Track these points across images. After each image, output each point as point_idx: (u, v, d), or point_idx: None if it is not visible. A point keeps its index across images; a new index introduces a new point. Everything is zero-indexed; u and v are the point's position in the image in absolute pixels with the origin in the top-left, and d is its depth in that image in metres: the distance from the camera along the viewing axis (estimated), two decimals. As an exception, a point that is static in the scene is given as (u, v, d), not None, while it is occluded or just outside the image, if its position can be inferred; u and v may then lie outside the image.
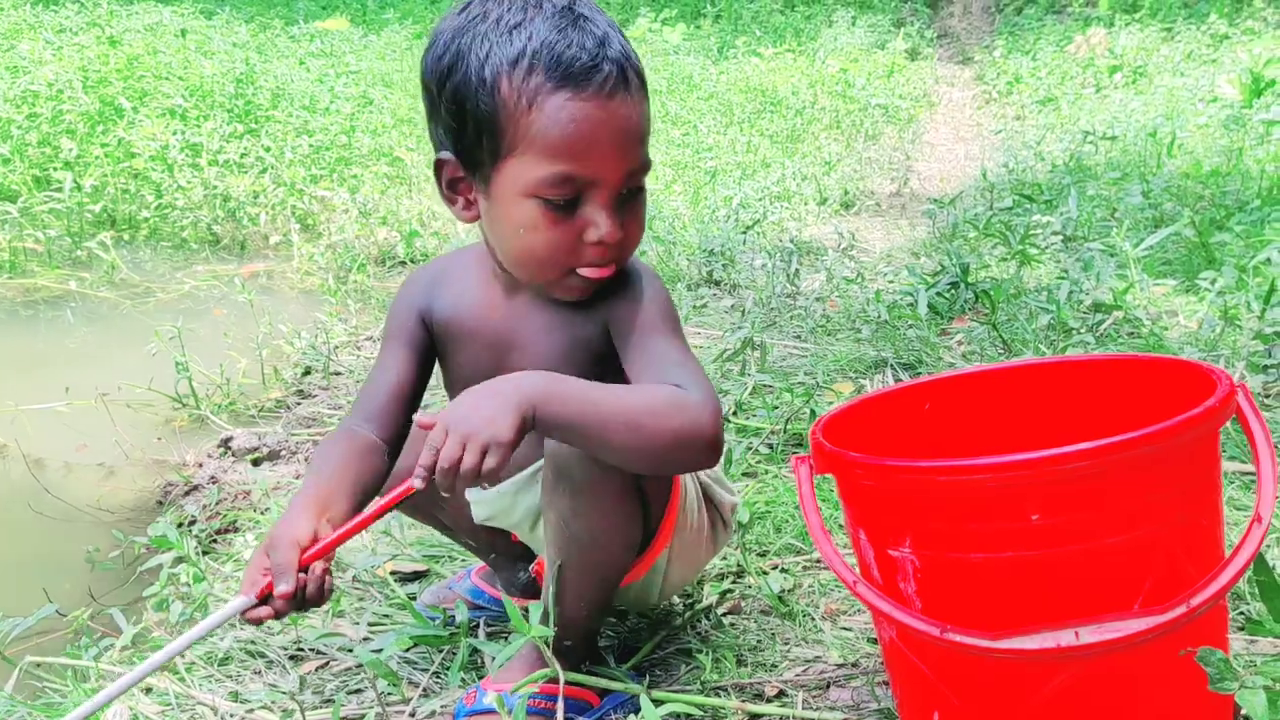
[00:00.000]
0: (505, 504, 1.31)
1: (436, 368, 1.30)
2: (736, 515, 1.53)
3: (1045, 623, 0.89)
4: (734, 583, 1.54)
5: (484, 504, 1.34)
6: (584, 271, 1.14)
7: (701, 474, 1.30)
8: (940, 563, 0.93)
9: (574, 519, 1.14)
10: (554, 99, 1.05)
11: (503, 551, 1.45)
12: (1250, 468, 1.69)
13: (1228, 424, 0.96)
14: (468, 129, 1.09)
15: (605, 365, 1.19)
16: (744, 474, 1.90)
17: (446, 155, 1.13)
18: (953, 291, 2.78)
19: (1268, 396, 1.99)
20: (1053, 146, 5.75)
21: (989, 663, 0.94)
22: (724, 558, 1.59)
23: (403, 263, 4.08)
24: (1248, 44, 7.30)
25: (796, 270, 3.27)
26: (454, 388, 1.29)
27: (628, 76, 1.09)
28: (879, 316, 2.69)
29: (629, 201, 1.13)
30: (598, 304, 1.19)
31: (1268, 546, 1.46)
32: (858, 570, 1.04)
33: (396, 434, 1.23)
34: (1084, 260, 2.65)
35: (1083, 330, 2.38)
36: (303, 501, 1.06)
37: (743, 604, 1.48)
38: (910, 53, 9.79)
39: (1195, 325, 2.46)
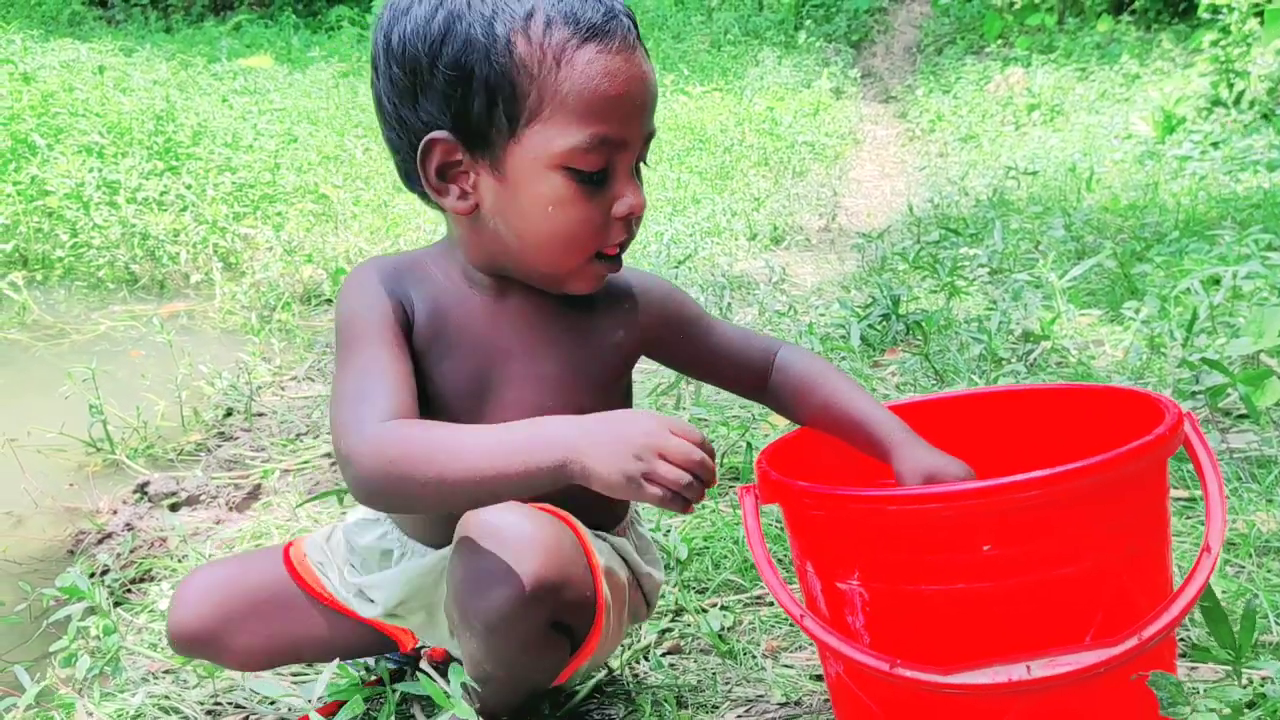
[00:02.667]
0: (426, 583, 1.17)
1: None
2: (676, 552, 1.50)
3: (997, 656, 0.87)
4: (673, 621, 1.50)
5: (388, 587, 1.19)
6: (608, 253, 1.04)
7: (636, 555, 1.21)
8: (890, 595, 0.91)
9: (487, 659, 1.05)
10: (583, 53, 0.95)
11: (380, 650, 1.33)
12: (1184, 494, 1.70)
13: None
14: (474, 99, 0.97)
15: (614, 385, 1.14)
16: (681, 509, 1.86)
17: (441, 134, 0.99)
18: (884, 323, 2.78)
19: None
20: (976, 182, 5.85)
21: (939, 698, 0.92)
22: (663, 596, 1.55)
23: (328, 301, 3.99)
24: (1158, 83, 7.54)
25: (729, 304, 3.26)
26: (442, 400, 1.08)
27: (638, 30, 1.02)
28: (812, 349, 2.68)
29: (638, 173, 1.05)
30: (602, 310, 1.12)
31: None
32: (804, 604, 1.01)
33: None
34: (1013, 290, 2.68)
35: (1013, 360, 2.40)
36: None
37: (682, 643, 1.43)
38: (835, 91, 9.94)
39: (1122, 354, 2.49)
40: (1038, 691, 0.88)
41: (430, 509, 1.07)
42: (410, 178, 1.06)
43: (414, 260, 1.13)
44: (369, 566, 1.24)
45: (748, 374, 1.20)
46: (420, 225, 4.72)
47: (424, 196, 1.07)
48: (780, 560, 1.56)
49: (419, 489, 0.90)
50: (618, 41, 0.97)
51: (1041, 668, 0.86)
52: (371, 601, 1.22)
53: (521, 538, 0.99)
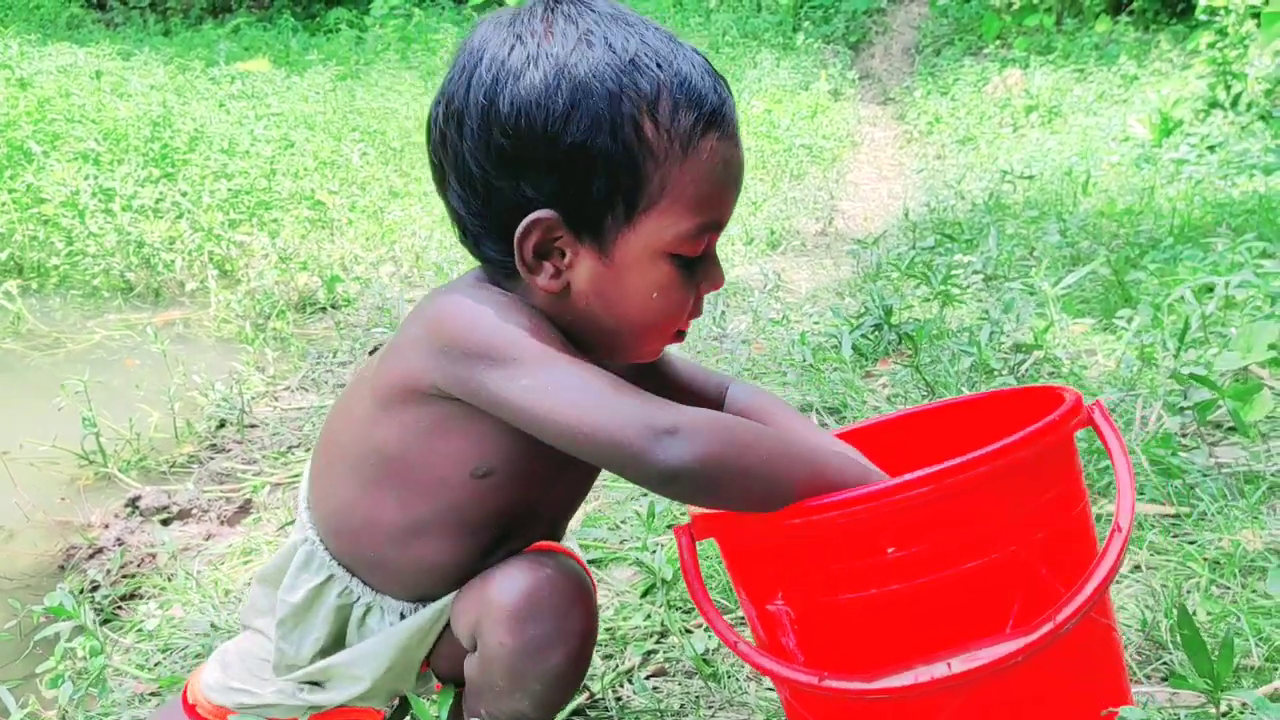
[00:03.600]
0: (412, 644, 1.11)
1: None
2: (661, 573, 1.50)
3: (920, 657, 0.88)
4: (658, 643, 1.50)
5: (372, 660, 1.09)
6: (682, 328, 1.03)
7: None
8: (811, 610, 0.92)
9: (535, 709, 1.05)
10: (706, 141, 0.93)
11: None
12: (1169, 510, 1.71)
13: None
14: (594, 183, 0.92)
15: None
16: (668, 526, 1.86)
17: (547, 214, 0.94)
18: (876, 333, 2.78)
19: (1184, 436, 2.01)
20: (972, 185, 5.85)
21: (874, 706, 0.93)
22: (648, 617, 1.55)
23: (323, 309, 3.99)
24: (1156, 84, 7.53)
25: (723, 312, 3.26)
26: (540, 467, 1.04)
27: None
28: (804, 360, 2.69)
29: None
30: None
31: (1190, 593, 1.46)
32: (749, 633, 1.03)
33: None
34: (1005, 302, 2.67)
35: (1004, 371, 2.40)
36: None
37: (667, 666, 1.44)
38: (834, 93, 9.93)
39: (1114, 364, 2.49)
40: (964, 686, 0.88)
41: (754, 497, 0.91)
42: (477, 240, 1.01)
43: None
44: (309, 636, 1.12)
45: (703, 405, 1.20)
46: (415, 232, 4.72)
47: (481, 256, 1.02)
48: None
49: (757, 464, 0.88)
50: (730, 126, 0.96)
51: (961, 663, 0.87)
52: (357, 678, 1.12)
53: (558, 595, 1.01)
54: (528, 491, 1.06)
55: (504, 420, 0.95)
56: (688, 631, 1.48)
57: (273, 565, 1.16)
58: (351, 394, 1.11)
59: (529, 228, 0.94)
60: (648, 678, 1.40)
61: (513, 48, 0.93)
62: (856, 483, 0.90)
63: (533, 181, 0.93)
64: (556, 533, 1.17)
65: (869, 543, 0.88)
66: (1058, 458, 0.94)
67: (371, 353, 3.38)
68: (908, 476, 0.86)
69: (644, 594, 1.62)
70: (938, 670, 0.87)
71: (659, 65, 0.92)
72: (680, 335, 1.05)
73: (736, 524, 0.95)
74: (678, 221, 0.94)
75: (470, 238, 1.01)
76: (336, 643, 1.13)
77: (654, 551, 1.64)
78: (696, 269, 0.99)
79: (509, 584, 1.01)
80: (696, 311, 1.03)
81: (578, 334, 1.01)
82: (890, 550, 0.87)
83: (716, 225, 0.98)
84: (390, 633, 1.10)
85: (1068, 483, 0.95)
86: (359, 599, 1.11)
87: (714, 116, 0.94)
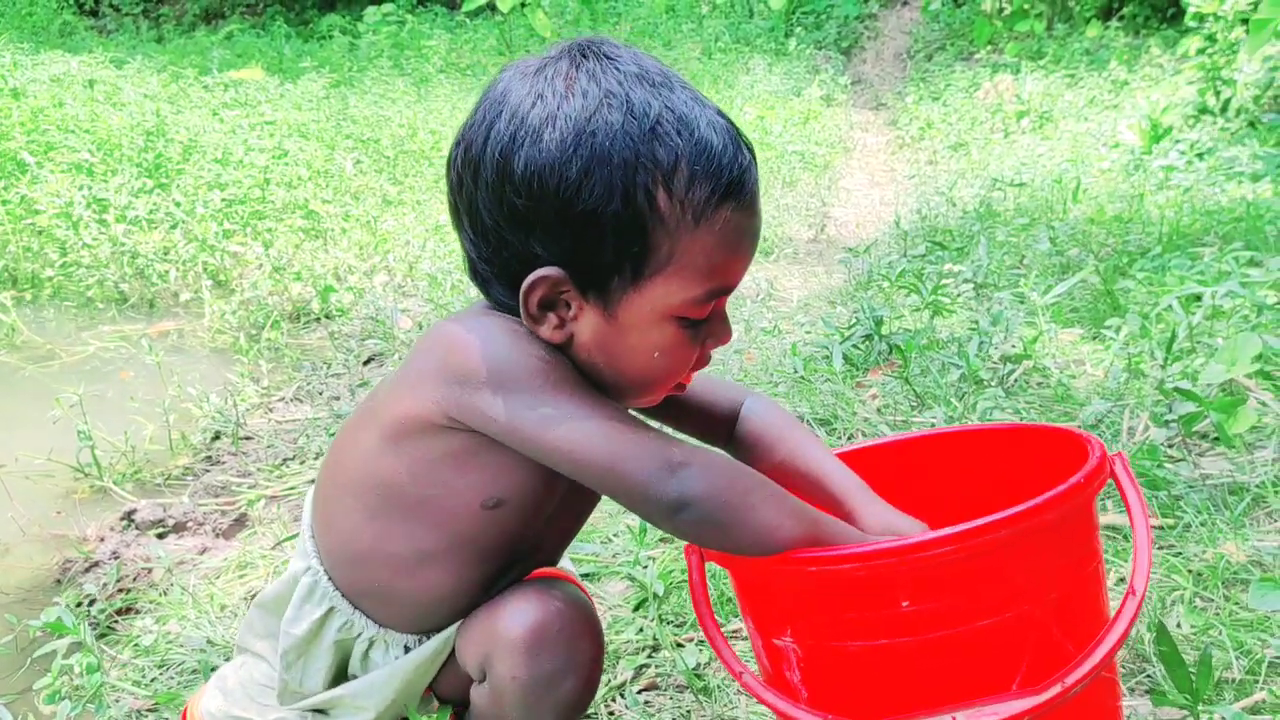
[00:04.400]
0: (416, 676, 1.12)
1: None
2: (653, 587, 1.51)
3: (924, 708, 0.90)
4: (649, 657, 1.52)
5: (378, 691, 1.11)
6: (684, 380, 1.06)
7: None
8: (820, 652, 0.94)
9: None
10: (721, 212, 0.93)
11: None
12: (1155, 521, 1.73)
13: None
14: (603, 248, 0.92)
15: None
16: (660, 539, 1.88)
17: (554, 272, 0.94)
18: (867, 343, 2.80)
19: (1170, 447, 2.03)
20: (964, 192, 5.88)
21: None
22: (640, 631, 1.57)
23: (317, 319, 4.01)
24: (1146, 90, 7.56)
25: (715, 322, 3.28)
26: (549, 498, 1.06)
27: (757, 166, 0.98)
28: (795, 371, 2.71)
29: None
30: None
31: (1174, 605, 1.48)
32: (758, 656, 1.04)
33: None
34: (994, 314, 2.70)
35: (993, 383, 2.42)
36: None
37: (658, 680, 1.45)
38: (826, 99, 9.97)
39: (1102, 374, 2.52)
40: None
41: (746, 544, 0.94)
42: (486, 283, 1.02)
43: None
44: (313, 667, 1.13)
45: (714, 422, 1.22)
46: (409, 241, 4.73)
47: (489, 294, 1.03)
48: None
49: (755, 512, 0.91)
50: (749, 196, 0.95)
51: (967, 718, 0.88)
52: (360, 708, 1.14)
53: (568, 626, 1.03)
54: (535, 522, 1.07)
55: (516, 449, 0.96)
56: (679, 645, 1.50)
57: (273, 592, 1.17)
58: (357, 423, 1.11)
59: (535, 283, 0.95)
60: (640, 692, 1.42)
61: (534, 104, 0.93)
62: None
63: (542, 240, 0.94)
64: (555, 559, 1.19)
65: (885, 595, 0.89)
66: (1079, 518, 0.94)
67: (366, 364, 3.40)
68: (930, 535, 0.87)
69: (636, 608, 1.63)
70: None
71: (679, 132, 0.92)
72: (681, 387, 1.07)
73: (741, 559, 0.96)
74: (685, 288, 0.94)
75: (480, 279, 1.03)
76: (340, 673, 1.15)
77: (646, 566, 1.66)
78: (702, 327, 1.00)
79: (519, 617, 1.03)
80: (701, 364, 1.04)
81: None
82: (905, 604, 0.88)
83: (725, 290, 0.98)
84: (395, 666, 1.11)
85: (1085, 541, 0.96)
86: (362, 634, 1.12)
87: (731, 187, 0.93)
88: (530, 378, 0.95)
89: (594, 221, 0.91)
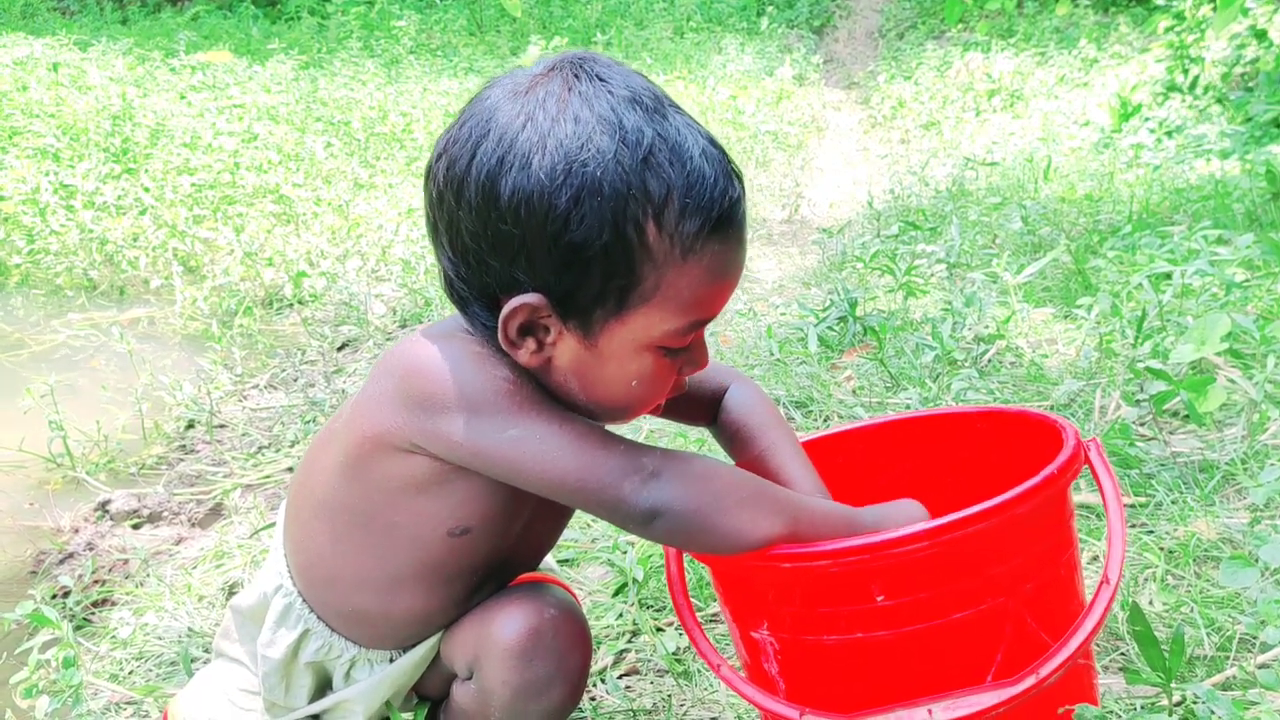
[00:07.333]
0: (404, 678, 1.14)
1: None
2: (632, 573, 1.52)
3: (900, 700, 0.91)
4: (629, 641, 1.53)
5: (370, 695, 1.13)
6: (660, 403, 1.05)
7: None
8: (796, 645, 0.95)
9: None
10: (709, 247, 0.91)
11: None
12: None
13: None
14: (589, 277, 0.90)
15: None
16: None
17: (535, 299, 0.92)
18: (841, 325, 2.82)
19: (1141, 425, 2.05)
20: (936, 171, 5.90)
21: None
22: (619, 616, 1.58)
23: (290, 304, 3.98)
24: (1116, 68, 7.60)
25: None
26: (516, 519, 1.06)
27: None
28: (771, 353, 2.72)
29: None
30: None
31: (1146, 583, 1.50)
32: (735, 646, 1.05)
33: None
34: (967, 295, 2.71)
35: (967, 363, 2.44)
36: None
37: (639, 665, 1.46)
38: (798, 78, 9.96)
39: (1074, 353, 2.54)
40: None
41: (725, 545, 0.93)
42: (464, 301, 0.99)
43: None
44: (295, 684, 1.14)
45: (698, 407, 1.22)
46: (382, 225, 4.70)
47: (465, 312, 1.00)
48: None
49: (732, 513, 0.92)
50: (736, 228, 0.93)
51: (943, 710, 0.89)
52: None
53: (560, 636, 1.04)
54: (504, 542, 1.07)
55: (483, 473, 0.96)
56: (659, 630, 1.51)
57: (248, 600, 1.17)
58: (324, 441, 1.10)
59: (515, 310, 0.93)
60: (620, 677, 1.43)
61: (524, 125, 0.89)
62: (832, 535, 0.92)
63: (525, 267, 0.91)
64: (535, 565, 1.20)
65: (859, 590, 0.89)
66: (1053, 508, 0.95)
67: (340, 349, 3.39)
68: (904, 530, 0.87)
69: (615, 593, 1.64)
70: (918, 716, 0.90)
71: (671, 163, 0.89)
72: (657, 409, 1.07)
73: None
74: (668, 319, 0.93)
75: (457, 296, 1.00)
76: (323, 687, 1.15)
77: (625, 551, 1.67)
78: (680, 355, 0.99)
79: (511, 624, 1.03)
80: (678, 390, 1.04)
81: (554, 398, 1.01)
82: (880, 598, 0.89)
83: (707, 320, 0.97)
84: (384, 673, 1.13)
85: (1060, 530, 0.96)
86: (341, 655, 1.13)
87: (721, 221, 0.91)
88: (497, 400, 0.94)
89: (581, 252, 0.89)
